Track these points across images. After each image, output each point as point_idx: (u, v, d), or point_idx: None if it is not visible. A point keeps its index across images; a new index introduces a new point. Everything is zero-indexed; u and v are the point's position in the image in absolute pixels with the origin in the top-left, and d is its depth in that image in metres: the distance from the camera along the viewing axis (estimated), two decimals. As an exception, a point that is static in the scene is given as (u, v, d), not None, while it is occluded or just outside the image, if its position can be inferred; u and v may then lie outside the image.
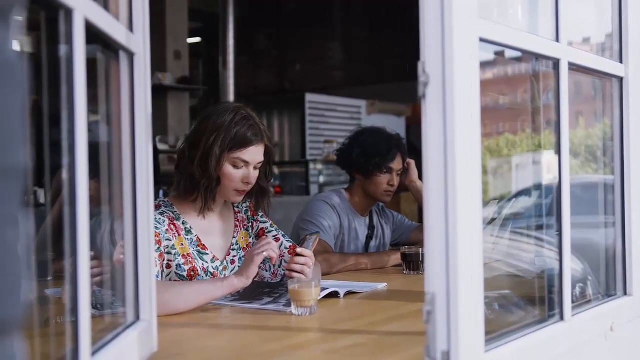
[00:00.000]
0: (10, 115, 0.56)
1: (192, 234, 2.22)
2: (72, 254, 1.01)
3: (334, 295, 2.11)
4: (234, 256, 2.32)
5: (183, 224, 2.20)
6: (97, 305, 1.34)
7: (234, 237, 2.35)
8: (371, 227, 3.14)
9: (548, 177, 1.97)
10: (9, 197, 0.56)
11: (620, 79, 1.80)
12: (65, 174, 1.01)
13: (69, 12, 0.99)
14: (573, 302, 1.54)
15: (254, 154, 2.20)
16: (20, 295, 0.58)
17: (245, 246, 2.36)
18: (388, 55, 9.38)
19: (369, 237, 3.13)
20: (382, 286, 2.34)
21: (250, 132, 2.18)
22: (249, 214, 2.41)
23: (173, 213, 2.20)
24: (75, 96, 1.00)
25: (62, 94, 1.01)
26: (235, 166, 2.19)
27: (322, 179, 7.54)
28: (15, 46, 0.60)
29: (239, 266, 2.29)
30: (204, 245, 2.23)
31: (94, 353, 1.08)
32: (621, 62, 1.80)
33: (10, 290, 0.57)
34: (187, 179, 2.19)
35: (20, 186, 0.58)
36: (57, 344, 1.19)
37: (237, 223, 2.37)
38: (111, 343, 1.20)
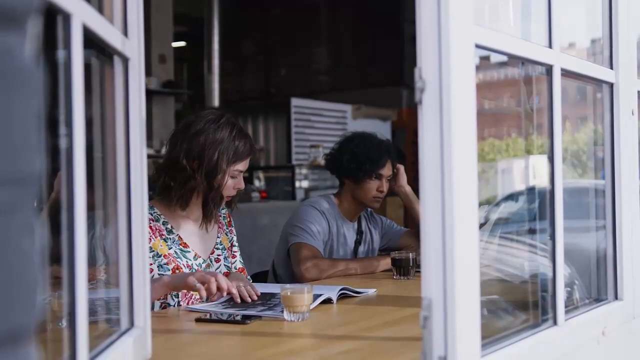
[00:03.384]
0: (27, 122, 0.56)
1: (173, 233, 2.28)
2: (70, 260, 1.00)
3: (326, 300, 2.10)
4: (218, 255, 2.40)
5: (163, 224, 2.25)
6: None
7: (218, 237, 2.43)
8: (360, 233, 3.14)
9: (535, 182, 1.98)
10: (24, 204, 0.56)
11: (611, 85, 1.82)
12: (62, 179, 1.00)
13: (67, 17, 0.98)
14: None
15: (247, 163, 2.34)
16: (36, 302, 0.58)
17: (227, 247, 2.45)
18: (374, 60, 9.40)
19: (358, 243, 3.13)
20: (372, 292, 2.34)
21: (248, 145, 2.31)
22: (226, 220, 2.51)
23: (152, 214, 2.23)
24: (73, 101, 1.00)
25: (59, 99, 1.01)
26: (233, 177, 2.30)
27: (308, 184, 7.53)
28: (31, 53, 0.60)
29: (224, 264, 2.40)
30: (185, 243, 2.29)
31: (90, 360, 1.07)
32: (611, 68, 1.81)
33: (27, 298, 0.56)
34: (188, 192, 2.25)
35: (35, 193, 0.58)
36: (52, 350, 1.18)
37: (220, 225, 2.46)
38: (107, 350, 1.19)
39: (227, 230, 2.49)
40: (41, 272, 0.59)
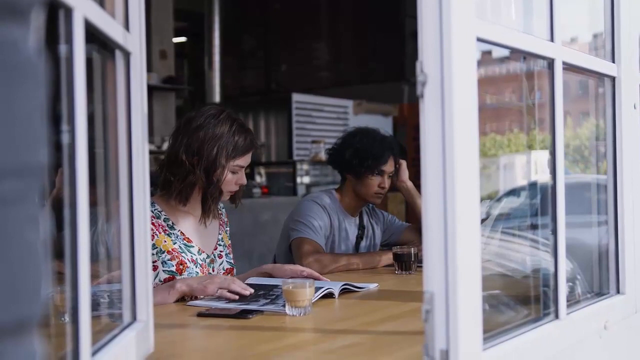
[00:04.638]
0: (32, 114, 0.56)
1: (175, 229, 2.29)
2: (72, 255, 1.00)
3: (328, 295, 2.10)
4: (220, 251, 2.43)
5: (165, 220, 2.27)
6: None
7: (220, 234, 2.45)
8: (361, 228, 3.14)
9: (537, 177, 1.98)
10: (29, 196, 0.56)
11: (613, 79, 1.81)
12: (65, 175, 1.00)
13: (68, 11, 0.98)
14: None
15: (249, 158, 2.34)
16: (40, 294, 0.58)
17: (227, 245, 2.47)
18: (375, 56, 9.40)
19: (360, 238, 3.13)
20: (374, 286, 2.34)
21: (249, 140, 2.30)
22: (225, 220, 2.53)
23: (153, 212, 2.24)
24: (75, 95, 1.00)
25: (61, 93, 1.01)
26: (233, 172, 2.30)
27: (309, 180, 7.53)
28: (34, 45, 0.60)
29: (226, 261, 2.43)
30: (188, 238, 2.31)
31: (93, 353, 1.07)
32: (613, 61, 1.81)
33: (32, 289, 0.57)
34: (188, 187, 2.26)
35: (40, 185, 0.58)
36: (54, 344, 1.18)
37: (221, 222, 2.48)
38: (110, 344, 1.19)
39: (226, 229, 2.52)
40: (45, 264, 0.59)
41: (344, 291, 2.20)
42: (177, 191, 2.25)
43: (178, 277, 2.20)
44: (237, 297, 2.03)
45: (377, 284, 2.36)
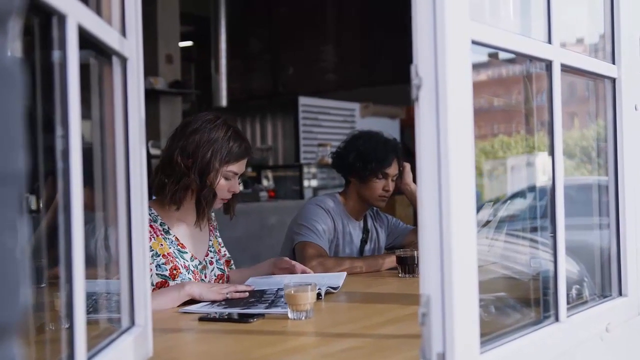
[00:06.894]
0: (9, 121, 0.56)
1: (170, 234, 2.31)
2: (67, 260, 1.00)
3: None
4: (211, 257, 2.44)
5: (161, 225, 2.29)
6: (89, 309, 1.34)
7: (210, 240, 2.47)
8: (366, 231, 3.14)
9: (543, 179, 1.97)
10: (8, 202, 0.57)
11: (613, 80, 1.81)
12: (59, 181, 1.01)
13: (62, 18, 0.99)
14: (569, 303, 1.55)
15: (243, 165, 2.35)
16: (19, 300, 0.58)
17: (217, 250, 2.49)
18: (381, 58, 9.38)
19: (364, 241, 3.13)
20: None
21: (243, 147, 2.32)
22: (215, 223, 2.55)
23: (150, 215, 2.25)
24: (69, 102, 1.00)
25: (55, 100, 1.01)
26: (226, 178, 2.31)
27: (316, 183, 7.52)
28: (13, 52, 0.60)
29: (217, 267, 2.44)
30: (182, 244, 2.33)
31: (90, 358, 1.07)
32: (614, 63, 1.80)
33: (10, 295, 0.57)
34: (181, 190, 2.27)
35: (19, 192, 0.59)
36: (51, 350, 1.18)
37: (211, 228, 2.50)
38: (106, 348, 1.19)
39: (216, 234, 2.54)
40: (24, 270, 0.60)
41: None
42: (171, 193, 2.26)
43: (171, 283, 2.21)
44: (247, 294, 2.14)
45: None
